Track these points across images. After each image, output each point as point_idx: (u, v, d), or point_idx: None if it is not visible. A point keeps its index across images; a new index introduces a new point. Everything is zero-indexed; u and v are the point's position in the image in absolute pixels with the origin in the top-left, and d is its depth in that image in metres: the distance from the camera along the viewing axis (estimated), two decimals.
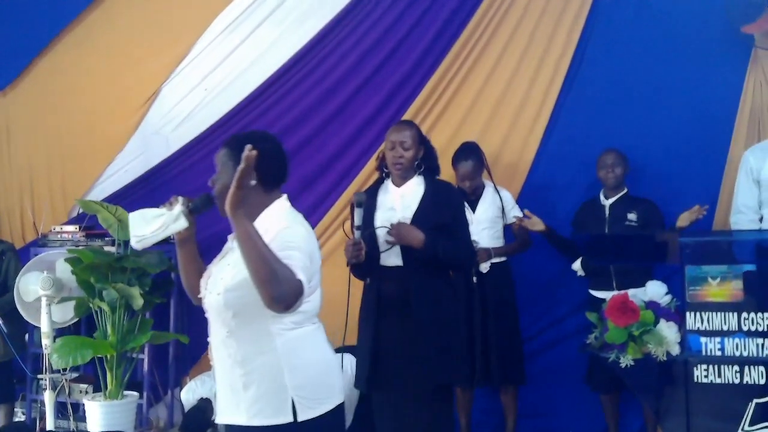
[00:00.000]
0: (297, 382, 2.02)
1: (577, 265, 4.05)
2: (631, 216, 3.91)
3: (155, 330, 4.40)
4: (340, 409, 2.12)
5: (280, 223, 2.01)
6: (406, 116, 4.56)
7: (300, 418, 2.00)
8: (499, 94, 4.46)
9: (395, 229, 2.90)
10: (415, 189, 3.03)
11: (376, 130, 4.58)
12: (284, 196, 2.14)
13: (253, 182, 1.95)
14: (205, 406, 4.16)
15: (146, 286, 4.27)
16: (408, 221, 2.95)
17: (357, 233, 2.87)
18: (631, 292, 3.26)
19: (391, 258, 2.97)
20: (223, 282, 2.02)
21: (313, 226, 4.63)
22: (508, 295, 4.11)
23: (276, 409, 2.01)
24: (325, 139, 4.84)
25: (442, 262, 2.97)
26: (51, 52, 5.34)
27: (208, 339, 2.13)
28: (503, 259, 4.11)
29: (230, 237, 2.09)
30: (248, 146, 1.86)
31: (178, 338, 4.49)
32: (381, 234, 2.96)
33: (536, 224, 4.01)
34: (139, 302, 4.13)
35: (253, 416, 2.02)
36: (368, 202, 2.97)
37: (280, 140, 2.16)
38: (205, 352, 4.82)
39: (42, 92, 5.36)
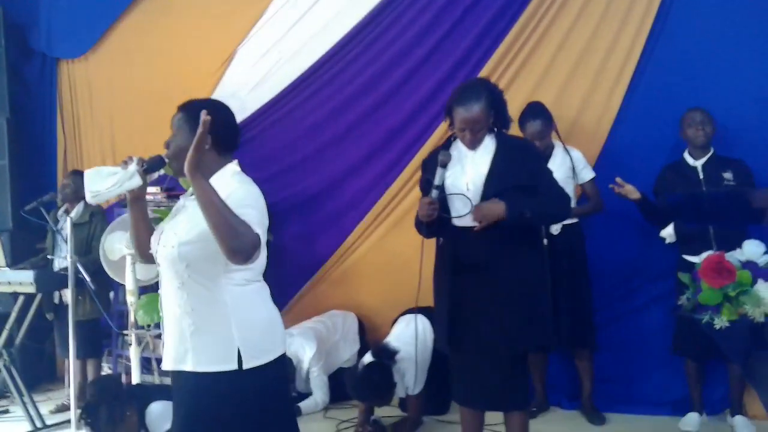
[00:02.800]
0: (244, 334, 2.15)
1: (668, 231, 3.87)
2: (727, 175, 3.74)
3: None
4: (281, 359, 2.25)
5: (232, 185, 2.14)
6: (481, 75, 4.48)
7: (245, 366, 2.13)
8: (578, 54, 4.30)
9: (476, 214, 2.78)
10: (485, 150, 2.88)
11: (448, 93, 4.47)
12: (235, 162, 2.26)
13: (207, 146, 2.09)
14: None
15: None
16: (480, 185, 2.84)
17: (435, 192, 2.81)
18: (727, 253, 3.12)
19: (466, 219, 2.86)
20: (177, 236, 2.16)
21: (383, 192, 4.80)
22: (579, 257, 4.04)
23: (222, 357, 2.14)
24: (394, 105, 4.82)
25: (534, 223, 2.90)
26: (128, 17, 5.48)
27: (159, 291, 2.27)
28: (575, 221, 4.01)
29: (182, 196, 2.32)
30: (204, 111, 2.01)
31: None
32: (454, 200, 2.87)
33: (631, 192, 3.79)
34: None
35: (199, 363, 2.15)
36: (449, 160, 2.85)
37: (231, 109, 2.30)
38: (282, 311, 5.03)
39: (121, 56, 5.52)
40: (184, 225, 2.18)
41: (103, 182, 2.14)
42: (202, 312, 2.15)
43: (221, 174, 2.18)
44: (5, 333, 4.44)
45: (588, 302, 4.03)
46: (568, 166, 4.00)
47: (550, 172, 2.97)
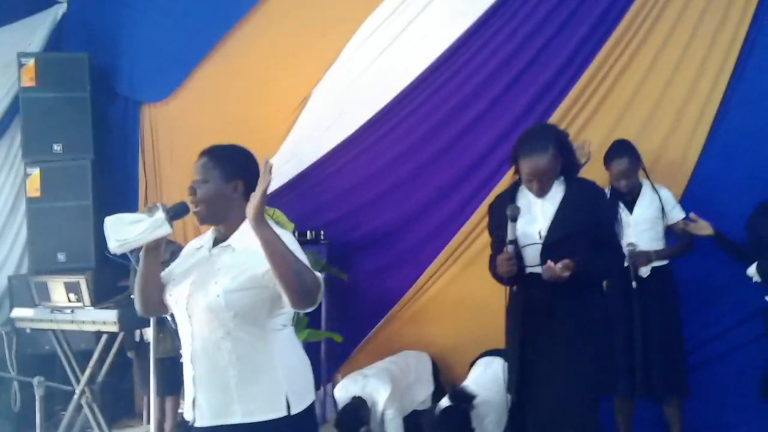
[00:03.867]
0: (290, 378, 2.14)
1: (752, 270, 3.74)
2: None
3: (309, 328, 4.52)
4: (314, 401, 2.27)
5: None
6: (556, 116, 4.44)
7: (293, 411, 2.12)
8: (660, 88, 4.21)
9: (545, 273, 2.75)
10: (554, 195, 2.86)
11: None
12: None
13: (238, 194, 2.15)
14: (358, 404, 4.22)
15: None
16: (545, 232, 2.82)
17: (510, 247, 2.78)
18: None
19: (534, 266, 2.85)
20: (221, 285, 2.09)
21: (457, 230, 4.76)
22: (670, 300, 3.88)
23: (272, 404, 2.11)
24: (470, 142, 4.79)
25: (591, 280, 2.87)
26: (207, 63, 5.63)
27: (184, 347, 2.17)
28: (665, 262, 3.88)
29: (192, 246, 2.28)
30: (268, 159, 1.99)
31: (332, 336, 4.59)
32: (527, 252, 2.84)
33: (703, 228, 3.72)
34: None
35: (249, 414, 2.10)
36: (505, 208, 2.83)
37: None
38: (355, 350, 5.07)
39: (200, 100, 5.66)
40: (226, 273, 2.11)
41: (129, 230, 2.08)
42: (249, 360, 2.10)
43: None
44: (88, 371, 4.54)
45: (679, 345, 3.87)
46: (657, 206, 3.87)
47: (613, 224, 3.01)
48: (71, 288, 4.47)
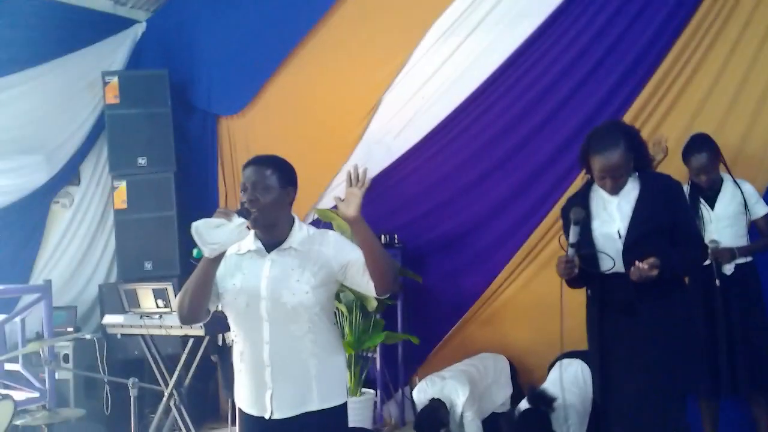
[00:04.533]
0: (344, 365, 2.39)
1: None
2: None
3: (386, 330, 4.59)
4: None
5: (322, 230, 2.36)
6: (630, 113, 4.37)
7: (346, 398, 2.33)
8: (738, 82, 4.11)
9: (632, 275, 2.71)
10: (629, 194, 2.82)
11: None
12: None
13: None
14: (437, 406, 4.26)
15: None
16: (624, 230, 2.78)
17: (571, 251, 2.77)
18: None
19: (611, 269, 2.81)
20: (305, 282, 2.22)
21: (531, 231, 4.74)
22: (755, 298, 3.78)
23: (340, 389, 2.32)
24: (540, 142, 4.78)
25: (676, 276, 2.83)
26: (280, 74, 5.78)
27: (253, 347, 2.23)
28: (749, 259, 3.77)
29: (245, 248, 2.29)
30: (362, 166, 2.23)
31: (409, 338, 4.65)
32: (603, 256, 2.81)
33: None
34: (373, 304, 4.34)
35: (325, 400, 2.25)
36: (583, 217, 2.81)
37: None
38: (431, 352, 5.11)
39: (274, 110, 5.82)
40: (304, 271, 2.23)
41: (218, 234, 2.10)
42: (326, 349, 2.28)
43: (298, 222, 2.34)
44: (175, 374, 4.71)
45: (766, 343, 3.75)
46: (739, 201, 3.77)
47: (692, 214, 2.93)
48: (159, 294, 4.65)
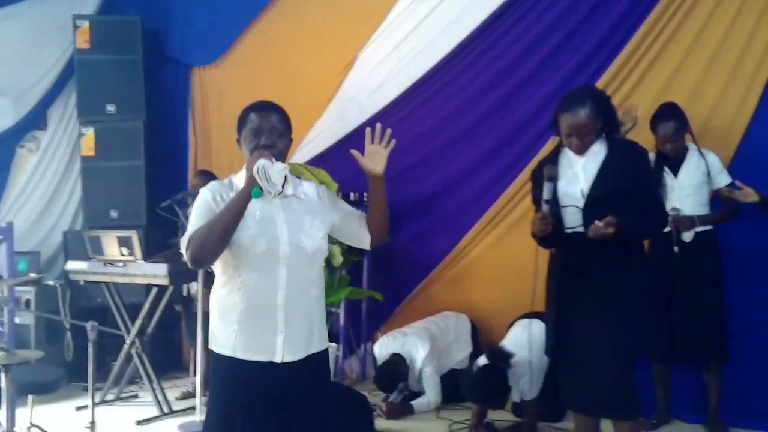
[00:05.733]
0: None
1: None
2: None
3: (351, 287, 4.61)
4: None
5: (308, 182, 2.39)
6: (603, 80, 4.39)
7: None
8: (710, 54, 4.14)
9: (591, 232, 2.74)
10: (596, 156, 2.86)
11: None
12: None
13: None
14: (397, 360, 4.31)
15: (344, 245, 4.48)
16: (587, 190, 2.82)
17: (545, 207, 2.80)
18: None
19: (575, 227, 2.86)
20: (317, 229, 2.25)
21: (500, 194, 4.77)
22: (713, 267, 3.85)
23: (326, 333, 2.38)
24: (512, 108, 4.80)
25: (634, 239, 2.87)
26: (255, 27, 5.72)
27: (266, 291, 2.17)
28: (709, 228, 3.83)
29: (258, 195, 2.15)
30: (380, 125, 2.29)
31: (374, 295, 4.68)
32: (567, 212, 2.85)
33: (749, 195, 3.65)
34: (338, 260, 4.36)
35: (322, 342, 2.31)
36: (556, 174, 2.86)
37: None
38: (396, 310, 5.15)
39: (248, 64, 5.76)
40: (314, 219, 2.25)
41: (276, 175, 2.06)
42: (322, 294, 2.32)
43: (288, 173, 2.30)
44: (138, 322, 4.70)
45: (720, 312, 3.84)
46: (703, 171, 3.82)
47: (655, 182, 2.97)
48: (123, 242, 4.62)
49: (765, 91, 4.01)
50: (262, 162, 2.05)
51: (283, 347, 2.20)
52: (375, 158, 2.27)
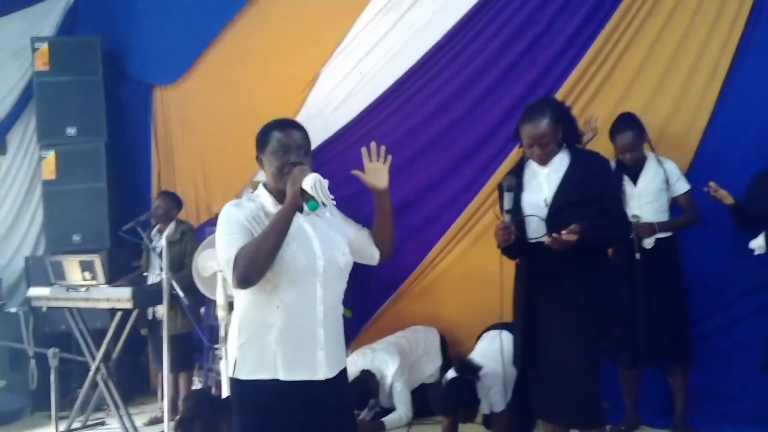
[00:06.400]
0: None
1: (758, 242, 3.72)
2: None
3: None
4: None
5: None
6: (562, 92, 4.43)
7: None
8: (665, 63, 4.20)
9: (552, 244, 2.76)
10: (558, 166, 2.89)
11: None
12: None
13: None
14: (367, 377, 4.30)
15: None
16: (551, 199, 2.85)
17: (507, 217, 2.82)
18: None
19: (538, 233, 2.87)
20: (343, 244, 2.28)
21: (465, 206, 4.79)
22: (674, 272, 3.90)
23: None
24: (475, 120, 4.82)
25: (599, 247, 2.89)
26: (217, 45, 5.71)
27: (304, 311, 2.16)
28: (669, 234, 3.88)
29: (269, 211, 2.22)
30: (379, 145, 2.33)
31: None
32: (530, 222, 2.87)
33: (725, 197, 3.75)
34: None
35: (344, 359, 2.32)
36: (515, 184, 2.88)
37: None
38: (364, 326, 5.13)
39: (211, 82, 5.74)
40: (337, 235, 2.28)
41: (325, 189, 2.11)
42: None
43: None
44: (103, 347, 4.62)
45: (683, 317, 3.90)
46: (662, 179, 3.88)
47: (618, 191, 3.01)
48: (86, 266, 4.54)
49: (719, 98, 4.08)
50: (318, 176, 2.10)
51: (324, 364, 2.20)
52: (377, 174, 2.36)
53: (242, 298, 2.22)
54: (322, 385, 2.19)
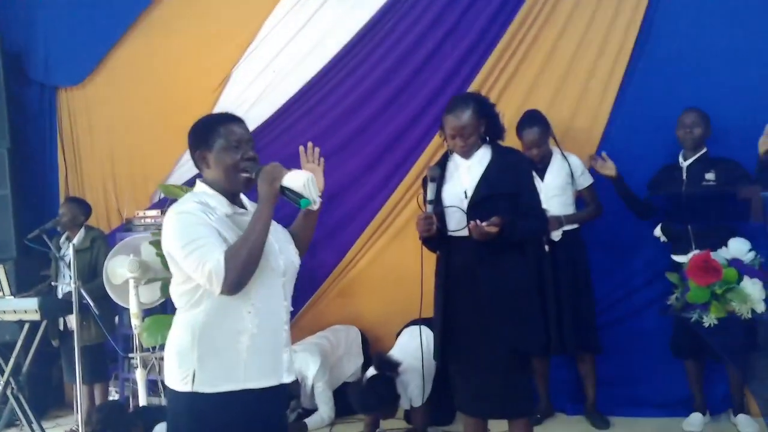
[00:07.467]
0: None
1: (657, 231, 3.95)
2: (709, 176, 3.79)
3: None
4: None
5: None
6: (471, 89, 4.51)
7: None
8: (567, 60, 4.36)
9: (473, 232, 2.80)
10: (480, 160, 2.96)
11: (441, 104, 4.44)
12: None
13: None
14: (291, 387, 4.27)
15: None
16: (471, 191, 2.91)
17: (429, 207, 2.87)
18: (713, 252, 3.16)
19: (459, 229, 2.92)
20: (292, 244, 2.26)
21: (383, 203, 4.83)
22: (580, 263, 4.05)
23: None
24: (391, 116, 4.87)
25: (517, 240, 2.95)
26: (123, 44, 5.54)
27: (273, 314, 2.12)
28: (575, 226, 4.04)
29: (221, 211, 2.15)
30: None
31: None
32: (450, 212, 2.93)
33: (608, 168, 3.97)
34: None
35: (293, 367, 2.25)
36: (438, 174, 2.94)
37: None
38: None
39: (118, 82, 5.57)
40: (286, 235, 2.27)
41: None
42: None
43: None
44: (12, 361, 4.44)
45: (590, 306, 4.05)
46: (567, 173, 4.02)
47: (535, 189, 3.05)
48: None
49: (619, 93, 4.27)
50: (310, 174, 2.13)
51: (286, 366, 2.15)
52: (316, 174, 2.29)
53: (198, 307, 2.07)
54: (279, 390, 2.15)
